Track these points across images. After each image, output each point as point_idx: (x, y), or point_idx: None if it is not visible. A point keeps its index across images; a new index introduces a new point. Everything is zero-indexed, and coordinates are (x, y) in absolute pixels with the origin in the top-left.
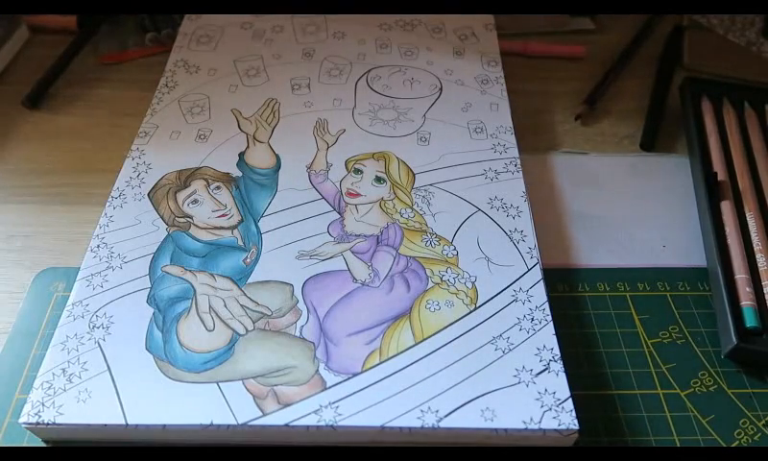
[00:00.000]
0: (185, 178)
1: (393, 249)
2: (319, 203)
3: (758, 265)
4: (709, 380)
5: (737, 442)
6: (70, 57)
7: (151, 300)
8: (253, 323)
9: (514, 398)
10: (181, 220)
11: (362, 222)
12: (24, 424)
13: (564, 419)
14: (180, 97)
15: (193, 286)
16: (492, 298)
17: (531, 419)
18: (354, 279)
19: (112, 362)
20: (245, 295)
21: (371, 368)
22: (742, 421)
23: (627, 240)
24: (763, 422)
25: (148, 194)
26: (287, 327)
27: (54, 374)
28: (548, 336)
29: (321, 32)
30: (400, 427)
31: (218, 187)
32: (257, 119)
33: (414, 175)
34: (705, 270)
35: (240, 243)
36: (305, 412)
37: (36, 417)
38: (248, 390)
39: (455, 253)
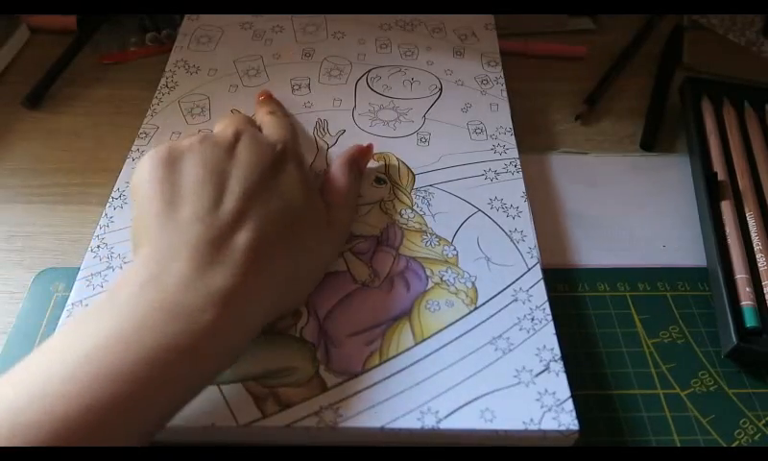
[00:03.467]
0: None
1: (393, 249)
2: None
3: (758, 265)
4: (709, 380)
5: (737, 442)
6: (70, 57)
7: None
8: None
9: (514, 398)
10: None
11: (362, 222)
12: None
13: (564, 419)
14: (180, 97)
15: None
16: (492, 298)
17: (531, 419)
18: (354, 279)
19: None
20: None
21: (371, 369)
22: (742, 421)
23: (627, 240)
24: (763, 422)
25: None
26: (287, 329)
27: None
28: (548, 336)
29: (321, 32)
30: (400, 428)
31: None
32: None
33: (414, 175)
34: (705, 270)
35: None
36: (306, 413)
37: None
38: (248, 391)
39: (455, 253)
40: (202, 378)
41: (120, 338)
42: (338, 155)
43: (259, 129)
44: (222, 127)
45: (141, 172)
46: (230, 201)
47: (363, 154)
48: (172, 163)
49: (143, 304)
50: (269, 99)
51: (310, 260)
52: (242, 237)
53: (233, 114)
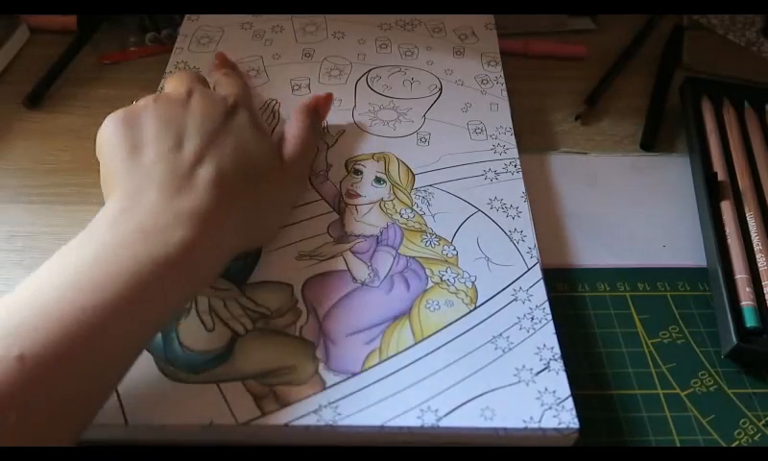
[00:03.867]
0: None
1: (393, 249)
2: (318, 203)
3: (758, 265)
4: (709, 380)
5: (737, 442)
6: (70, 57)
7: None
8: (253, 323)
9: (514, 397)
10: None
11: (362, 222)
12: None
13: (564, 417)
14: None
15: None
16: (491, 297)
17: (531, 418)
18: (354, 279)
19: None
20: (245, 295)
21: (370, 367)
22: (742, 421)
23: (627, 240)
24: (763, 422)
25: None
26: (287, 327)
27: None
28: (548, 335)
29: (321, 32)
30: (400, 427)
31: None
32: None
33: (414, 175)
34: (705, 270)
35: None
36: (305, 412)
37: None
38: (247, 390)
39: (455, 252)
40: (180, 292)
41: (101, 258)
42: (304, 106)
43: (214, 88)
44: (174, 85)
45: (102, 134)
46: (190, 144)
47: (321, 103)
48: (130, 121)
49: (120, 230)
50: (224, 62)
51: (269, 198)
52: (204, 171)
53: (183, 72)
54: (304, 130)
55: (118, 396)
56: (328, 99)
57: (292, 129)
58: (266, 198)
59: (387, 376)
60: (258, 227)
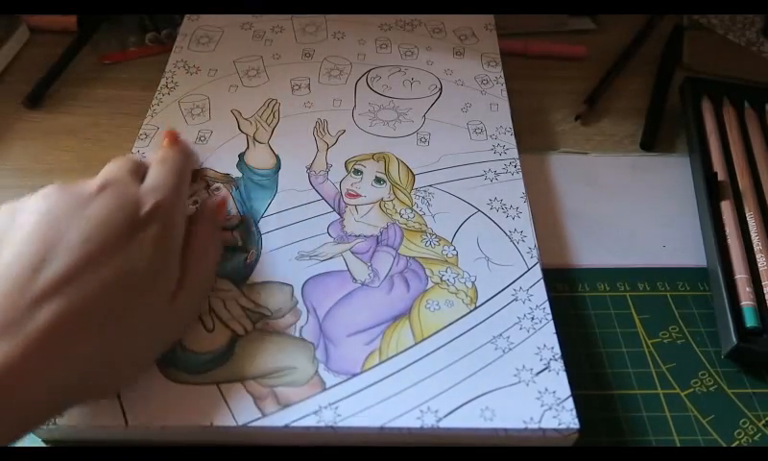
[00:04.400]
0: None
1: (392, 249)
2: (319, 203)
3: (758, 265)
4: (709, 380)
5: (737, 442)
6: (70, 57)
7: None
8: (253, 324)
9: (514, 397)
10: None
11: (362, 222)
12: None
13: (564, 418)
14: (180, 98)
15: None
16: (492, 297)
17: (531, 418)
18: (354, 279)
19: None
20: (245, 296)
21: (370, 368)
22: (742, 421)
23: (627, 240)
24: (763, 422)
25: None
26: (287, 328)
27: None
28: (549, 335)
29: (321, 32)
30: (400, 428)
31: (218, 188)
32: (257, 120)
33: (414, 175)
34: (705, 270)
35: (240, 244)
36: (305, 413)
37: None
38: (247, 391)
39: (455, 253)
40: None
41: None
42: (202, 217)
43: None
44: (103, 172)
45: None
46: (56, 264)
47: (217, 211)
48: (23, 202)
49: None
50: (173, 141)
51: (137, 338)
52: (46, 312)
53: (120, 160)
54: (209, 265)
55: (118, 396)
56: (222, 205)
57: (196, 258)
58: (127, 343)
59: (387, 377)
60: (98, 383)
